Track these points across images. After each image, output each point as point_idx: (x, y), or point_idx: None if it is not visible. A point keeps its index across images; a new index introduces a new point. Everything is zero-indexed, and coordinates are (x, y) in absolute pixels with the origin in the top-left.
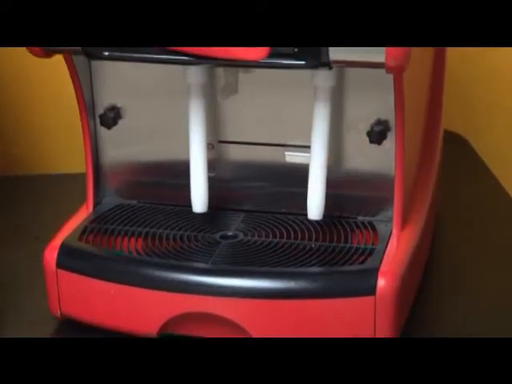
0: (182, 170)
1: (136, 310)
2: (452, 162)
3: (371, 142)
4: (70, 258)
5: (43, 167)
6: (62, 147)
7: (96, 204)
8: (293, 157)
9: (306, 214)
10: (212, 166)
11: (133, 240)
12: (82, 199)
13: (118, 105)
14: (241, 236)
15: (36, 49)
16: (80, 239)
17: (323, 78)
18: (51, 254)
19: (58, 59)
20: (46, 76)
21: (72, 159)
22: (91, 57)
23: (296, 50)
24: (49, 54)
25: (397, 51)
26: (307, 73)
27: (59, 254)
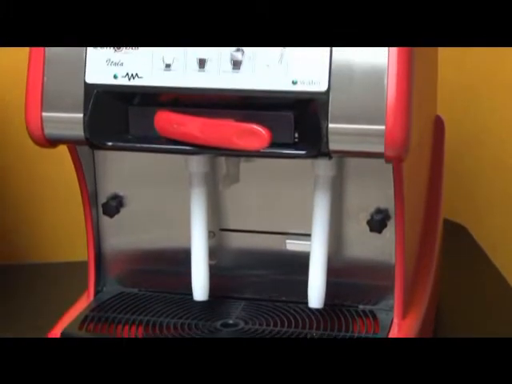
0: (183, 258)
1: None
2: (452, 250)
3: (371, 230)
4: None
5: (43, 255)
6: (62, 235)
7: (97, 292)
8: (293, 245)
9: (306, 303)
10: (213, 253)
11: (133, 328)
12: (83, 287)
13: (121, 193)
14: (241, 324)
15: (41, 139)
16: (80, 328)
17: (323, 168)
18: None
19: (61, 148)
20: (47, 164)
21: (72, 248)
22: (94, 147)
23: (296, 139)
24: (53, 144)
25: (396, 142)
26: (307, 162)
27: None
